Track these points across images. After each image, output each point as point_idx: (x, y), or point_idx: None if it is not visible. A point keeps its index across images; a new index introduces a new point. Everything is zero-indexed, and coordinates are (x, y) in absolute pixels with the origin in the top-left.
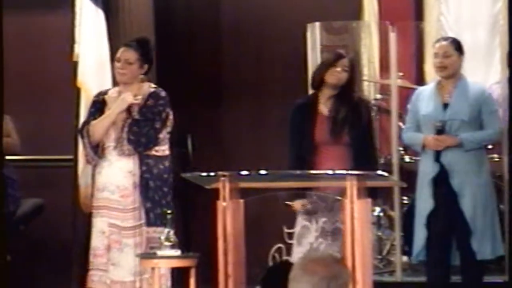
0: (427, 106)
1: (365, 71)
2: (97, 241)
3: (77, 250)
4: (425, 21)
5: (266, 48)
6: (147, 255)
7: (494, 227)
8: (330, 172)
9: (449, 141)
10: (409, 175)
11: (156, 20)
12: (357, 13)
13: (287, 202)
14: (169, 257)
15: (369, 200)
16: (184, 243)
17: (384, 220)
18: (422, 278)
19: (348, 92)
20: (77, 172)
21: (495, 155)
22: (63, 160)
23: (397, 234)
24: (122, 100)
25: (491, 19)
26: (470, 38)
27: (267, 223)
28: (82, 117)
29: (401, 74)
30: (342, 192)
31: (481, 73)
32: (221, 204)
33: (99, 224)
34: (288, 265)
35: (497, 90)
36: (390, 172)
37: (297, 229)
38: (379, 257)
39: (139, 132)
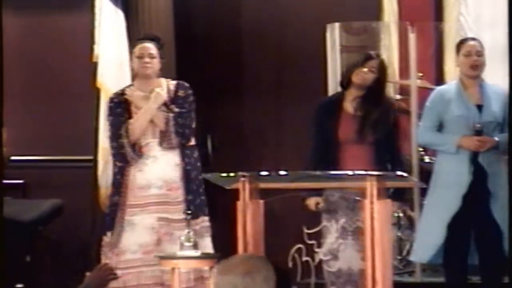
0: (459, 108)
1: None
2: (146, 238)
3: (96, 249)
4: (444, 22)
5: (285, 48)
6: (167, 255)
7: None
8: (350, 172)
9: (490, 143)
10: (429, 175)
11: (176, 21)
12: (376, 13)
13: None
14: (189, 258)
15: (389, 200)
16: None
17: (404, 220)
18: (442, 279)
19: (375, 93)
20: (97, 172)
21: None
22: (83, 161)
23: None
24: (157, 96)
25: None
26: (489, 38)
27: (287, 224)
28: (102, 118)
29: (420, 74)
30: (363, 191)
31: (500, 74)
32: (241, 204)
33: (147, 221)
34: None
35: None
36: (409, 172)
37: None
38: (399, 257)
39: (184, 124)
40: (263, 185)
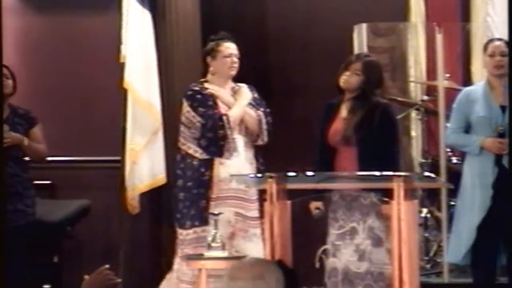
0: (483, 108)
1: (412, 72)
2: (222, 231)
3: (123, 251)
4: (471, 22)
5: (312, 50)
6: (194, 256)
7: None
8: (377, 173)
9: None
10: (456, 176)
11: (203, 22)
12: (403, 14)
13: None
14: (216, 258)
15: (416, 201)
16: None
17: (431, 221)
18: (469, 280)
19: (363, 95)
20: (124, 173)
21: None
22: (110, 161)
23: (444, 235)
24: (246, 93)
25: None
26: None
27: (313, 224)
28: (129, 119)
29: (448, 75)
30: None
31: None
32: (268, 205)
33: (226, 214)
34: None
35: None
36: (437, 173)
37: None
38: (426, 258)
39: (271, 123)
40: (290, 185)
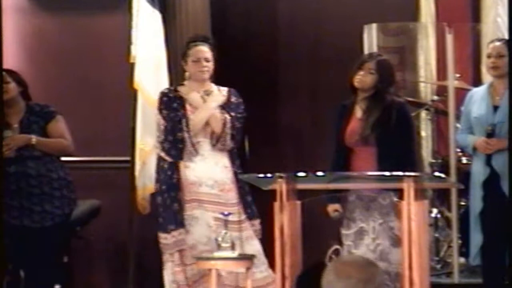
0: (479, 108)
1: (422, 72)
2: (202, 232)
3: (133, 251)
4: (482, 23)
5: (322, 49)
6: (204, 256)
7: None
8: (387, 173)
9: (498, 145)
10: (466, 176)
11: (213, 22)
12: (414, 14)
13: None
14: (226, 259)
15: (426, 201)
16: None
17: (441, 221)
18: (479, 280)
19: (378, 94)
20: (134, 173)
21: None
22: (120, 162)
23: (454, 235)
24: (218, 96)
25: None
26: None
27: (324, 225)
28: (139, 118)
29: (458, 75)
30: (379, 191)
31: None
32: (278, 205)
33: (205, 217)
34: (322, 267)
35: None
36: (447, 173)
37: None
38: (436, 258)
39: (238, 128)
40: (300, 186)
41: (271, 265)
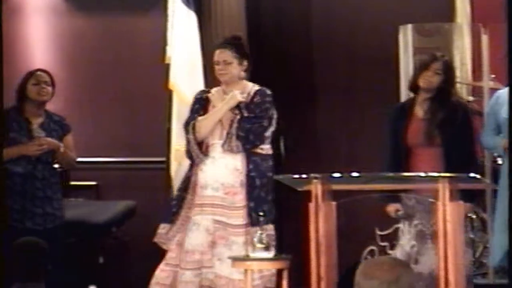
0: (507, 110)
1: (458, 73)
2: (201, 239)
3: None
4: None
5: (358, 50)
6: (239, 257)
7: None
8: (423, 174)
9: None
10: None
11: (248, 23)
12: (449, 15)
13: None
14: (261, 259)
15: (462, 202)
16: (276, 245)
17: (477, 222)
18: None
19: (443, 95)
20: (170, 174)
21: None
22: (156, 162)
23: (490, 236)
24: (232, 98)
25: None
26: None
27: (359, 225)
28: (175, 119)
29: (493, 76)
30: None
31: None
32: (313, 206)
33: (204, 222)
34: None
35: None
36: (482, 174)
37: (399, 231)
38: (472, 259)
39: (248, 128)
40: (335, 186)
41: (306, 265)
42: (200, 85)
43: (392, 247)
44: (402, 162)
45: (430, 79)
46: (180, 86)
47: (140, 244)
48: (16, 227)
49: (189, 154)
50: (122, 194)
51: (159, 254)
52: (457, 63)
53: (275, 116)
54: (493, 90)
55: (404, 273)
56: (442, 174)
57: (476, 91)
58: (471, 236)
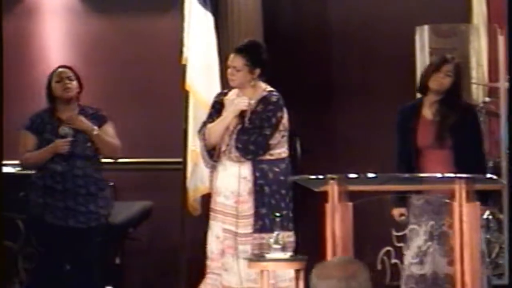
0: None
1: (474, 74)
2: (213, 245)
3: (185, 252)
4: None
5: (374, 51)
6: (256, 258)
7: None
8: (439, 175)
9: None
10: None
11: (265, 23)
12: (466, 16)
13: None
14: (278, 260)
15: (478, 203)
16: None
17: (493, 223)
18: None
19: (453, 97)
20: (186, 175)
21: None
22: (172, 163)
23: (506, 237)
24: (236, 105)
25: None
26: None
27: (375, 226)
28: (191, 120)
29: (509, 77)
30: (450, 194)
31: None
32: (330, 207)
33: (215, 228)
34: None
35: None
36: (499, 175)
37: (406, 232)
38: (488, 259)
39: (247, 140)
40: (352, 187)
41: None
42: (217, 86)
43: (408, 247)
44: (412, 164)
45: (442, 80)
46: (197, 87)
47: (156, 244)
48: (59, 225)
49: (203, 159)
50: (138, 195)
51: (175, 255)
52: (473, 64)
53: (283, 120)
54: (509, 91)
55: (358, 269)
56: (459, 175)
57: (493, 92)
58: (487, 236)
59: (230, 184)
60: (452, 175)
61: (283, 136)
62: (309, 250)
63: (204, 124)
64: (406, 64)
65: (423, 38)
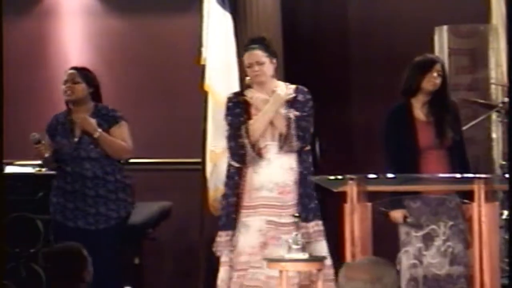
0: None
1: (493, 74)
2: (253, 239)
3: (204, 252)
4: None
5: (393, 51)
6: (275, 258)
7: None
8: (458, 175)
9: None
10: None
11: (283, 23)
12: (485, 16)
13: (383, 209)
14: (296, 260)
15: (497, 203)
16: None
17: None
18: None
19: (443, 97)
20: (205, 175)
21: None
22: (191, 163)
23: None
24: (277, 97)
25: None
26: None
27: (394, 226)
28: (210, 120)
29: (509, 77)
30: (446, 194)
31: None
32: (349, 207)
33: (257, 223)
34: None
35: None
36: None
37: (401, 237)
38: (507, 260)
39: (305, 127)
40: (370, 187)
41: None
42: (236, 86)
43: (427, 248)
44: (411, 166)
45: (435, 81)
46: (215, 87)
47: (175, 245)
48: (69, 226)
49: (240, 158)
50: (157, 195)
51: (194, 255)
52: (492, 64)
53: None
54: None
55: (386, 272)
56: (478, 175)
57: None
58: (506, 237)
59: (275, 176)
60: (471, 175)
61: None
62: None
63: (234, 124)
64: None
65: (442, 38)
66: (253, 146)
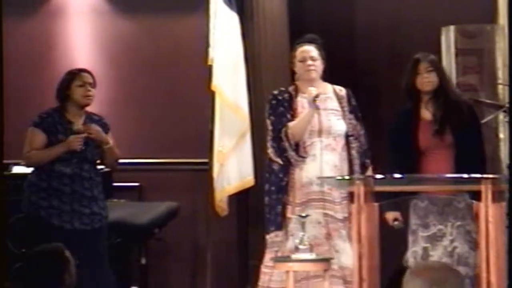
0: None
1: (500, 74)
2: (315, 231)
3: (211, 253)
4: None
5: (400, 51)
6: (282, 258)
7: None
8: (465, 175)
9: None
10: None
11: (291, 24)
12: (491, 16)
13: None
14: (304, 261)
15: (504, 203)
16: None
17: None
18: None
19: (443, 92)
20: (212, 175)
21: None
22: (199, 164)
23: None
24: (331, 101)
25: None
26: None
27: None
28: (217, 121)
29: (509, 77)
30: (453, 194)
31: None
32: (356, 207)
33: (314, 216)
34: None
35: None
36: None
37: (408, 237)
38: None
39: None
40: (378, 188)
41: None
42: (243, 87)
43: (434, 248)
44: (413, 165)
45: (427, 80)
46: (223, 87)
47: (182, 245)
48: (67, 228)
49: (285, 159)
50: (164, 195)
51: (201, 255)
52: (499, 64)
53: None
54: None
55: (451, 277)
56: (485, 176)
57: None
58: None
59: (322, 172)
60: (478, 175)
61: None
62: None
63: (277, 125)
64: None
65: (449, 38)
66: (296, 147)
